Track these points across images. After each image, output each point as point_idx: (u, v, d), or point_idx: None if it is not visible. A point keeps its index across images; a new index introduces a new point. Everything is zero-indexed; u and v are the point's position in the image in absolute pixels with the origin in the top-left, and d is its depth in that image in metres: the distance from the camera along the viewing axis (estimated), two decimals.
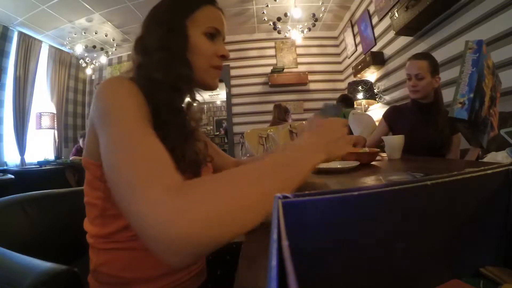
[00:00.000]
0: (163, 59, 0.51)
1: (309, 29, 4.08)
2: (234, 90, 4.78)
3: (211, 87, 0.59)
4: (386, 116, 1.55)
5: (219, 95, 8.99)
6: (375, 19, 3.36)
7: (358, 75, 3.71)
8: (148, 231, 0.26)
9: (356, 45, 4.00)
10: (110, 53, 4.72)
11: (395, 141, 1.17)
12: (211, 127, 9.25)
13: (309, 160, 0.39)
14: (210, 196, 0.28)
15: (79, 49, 4.40)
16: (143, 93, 0.46)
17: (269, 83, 4.64)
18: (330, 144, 0.46)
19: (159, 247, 0.26)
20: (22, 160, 3.80)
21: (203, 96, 0.60)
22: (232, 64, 4.78)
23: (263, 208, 0.30)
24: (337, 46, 4.84)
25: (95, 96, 0.44)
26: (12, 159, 3.74)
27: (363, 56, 3.64)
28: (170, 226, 0.25)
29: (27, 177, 2.89)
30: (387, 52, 3.17)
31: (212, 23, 0.56)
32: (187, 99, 0.57)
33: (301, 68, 4.78)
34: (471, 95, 0.78)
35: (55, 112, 4.36)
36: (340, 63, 4.81)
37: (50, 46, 4.32)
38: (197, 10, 0.55)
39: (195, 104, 0.58)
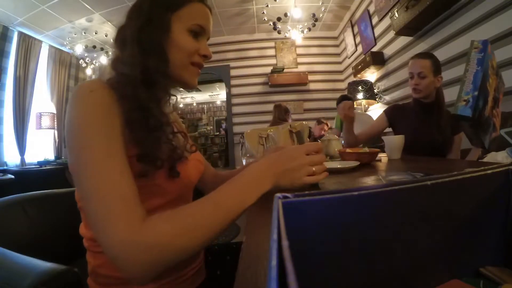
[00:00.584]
0: (136, 52, 0.49)
1: (309, 29, 4.08)
2: (234, 90, 4.78)
3: (189, 85, 0.57)
4: (388, 112, 1.54)
5: (219, 95, 8.99)
6: (375, 19, 3.35)
7: (358, 75, 3.71)
8: (111, 258, 0.34)
9: (356, 45, 4.00)
10: (110, 53, 4.71)
11: (395, 141, 1.17)
12: (211, 127, 9.25)
13: (253, 190, 0.42)
14: (159, 240, 0.35)
15: (79, 49, 4.40)
16: (116, 93, 0.45)
17: (269, 83, 4.64)
18: (285, 172, 0.45)
19: (122, 272, 0.34)
20: (22, 160, 3.80)
21: (177, 95, 0.58)
22: (232, 64, 4.78)
23: (205, 241, 0.38)
24: (337, 46, 4.84)
25: (69, 109, 0.43)
26: (12, 159, 3.74)
27: (363, 56, 3.64)
28: (127, 259, 0.33)
29: (27, 177, 2.89)
30: (387, 52, 3.17)
31: (199, 21, 0.55)
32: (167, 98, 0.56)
33: (301, 68, 4.78)
34: (476, 93, 0.78)
35: (55, 112, 4.36)
36: (340, 63, 4.81)
37: (50, 46, 4.32)
38: (185, 6, 0.54)
39: (171, 102, 0.57)
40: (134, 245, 0.33)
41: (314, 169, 0.47)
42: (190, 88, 0.59)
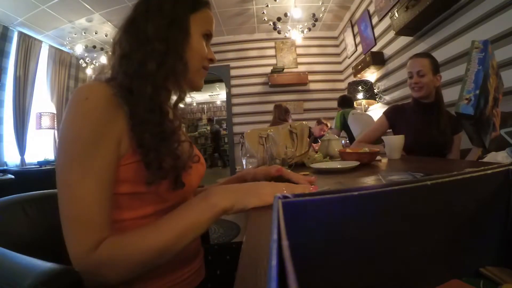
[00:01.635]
0: (160, 51, 0.48)
1: (309, 29, 4.08)
2: (234, 90, 4.78)
3: (198, 88, 0.59)
4: (388, 114, 1.54)
5: (219, 95, 8.99)
6: (375, 19, 3.35)
7: (358, 75, 3.71)
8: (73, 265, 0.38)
9: (356, 45, 4.00)
10: (110, 53, 4.70)
11: (395, 141, 1.17)
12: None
13: (209, 210, 0.43)
14: (113, 261, 0.39)
15: (79, 49, 4.40)
16: (122, 93, 0.44)
17: (269, 83, 4.64)
18: (249, 191, 0.46)
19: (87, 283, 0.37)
20: (22, 160, 3.80)
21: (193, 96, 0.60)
22: (232, 64, 4.78)
23: (158, 259, 0.41)
24: (337, 46, 4.84)
25: (66, 110, 0.43)
26: (12, 159, 3.74)
27: (363, 56, 3.64)
28: (88, 275, 0.37)
29: (27, 177, 2.89)
30: (387, 52, 3.17)
31: (209, 27, 0.57)
32: (174, 98, 0.55)
33: (301, 68, 4.78)
34: (477, 92, 0.79)
35: (55, 112, 4.36)
36: (340, 63, 4.81)
37: (50, 46, 4.32)
38: (200, 11, 0.55)
39: (181, 105, 0.56)
40: (85, 271, 0.37)
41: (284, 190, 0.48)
42: (197, 90, 0.60)
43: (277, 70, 4.65)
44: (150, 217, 0.49)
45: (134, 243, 0.40)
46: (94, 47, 4.42)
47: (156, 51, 0.48)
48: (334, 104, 3.58)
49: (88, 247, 0.38)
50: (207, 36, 0.57)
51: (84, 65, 4.69)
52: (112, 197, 0.43)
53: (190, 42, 0.53)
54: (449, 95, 1.78)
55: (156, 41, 0.49)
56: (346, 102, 3.10)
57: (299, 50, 4.82)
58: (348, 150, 1.10)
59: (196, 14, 0.54)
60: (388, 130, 1.60)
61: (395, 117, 1.51)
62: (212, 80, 6.56)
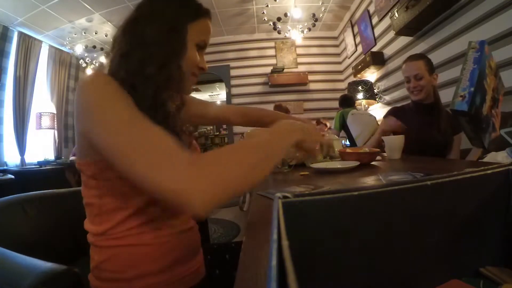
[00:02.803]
0: (160, 54, 0.50)
1: (309, 29, 4.08)
2: (234, 90, 4.78)
3: (185, 93, 0.62)
4: (387, 117, 1.54)
5: (219, 95, 8.98)
6: (375, 19, 3.35)
7: (358, 75, 3.71)
8: (175, 199, 0.35)
9: (356, 45, 4.00)
10: (110, 53, 4.70)
11: (395, 142, 1.17)
12: (211, 127, 9.24)
13: (286, 138, 0.49)
14: (214, 168, 0.37)
15: (79, 49, 4.40)
16: (126, 87, 0.46)
17: (269, 83, 4.64)
18: (305, 129, 0.53)
19: (185, 207, 0.35)
20: (22, 160, 3.80)
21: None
22: (232, 64, 4.78)
23: (251, 175, 0.40)
24: (337, 46, 4.84)
25: (80, 95, 0.44)
26: (12, 159, 3.73)
27: (363, 56, 3.64)
28: (190, 192, 0.34)
29: (27, 177, 2.89)
30: (387, 52, 3.17)
31: (205, 37, 0.58)
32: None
33: (301, 68, 4.77)
34: (472, 89, 0.80)
35: (55, 112, 4.36)
36: (340, 63, 4.81)
37: (50, 46, 4.32)
38: (198, 20, 0.56)
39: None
40: (192, 177, 0.35)
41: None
42: (185, 94, 0.63)
43: (277, 70, 4.65)
44: (147, 208, 0.51)
45: (228, 155, 0.40)
46: (94, 47, 4.42)
47: (156, 55, 0.50)
48: (334, 104, 3.58)
49: (187, 159, 0.36)
50: (201, 46, 0.58)
51: (84, 65, 4.69)
52: None
53: (185, 49, 0.54)
54: (449, 95, 1.78)
55: (155, 45, 0.51)
56: (346, 102, 3.10)
57: (299, 50, 4.82)
58: (348, 150, 1.10)
59: (194, 23, 0.56)
60: None
61: (396, 118, 1.51)
62: (212, 80, 6.55)
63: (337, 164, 0.92)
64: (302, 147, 0.53)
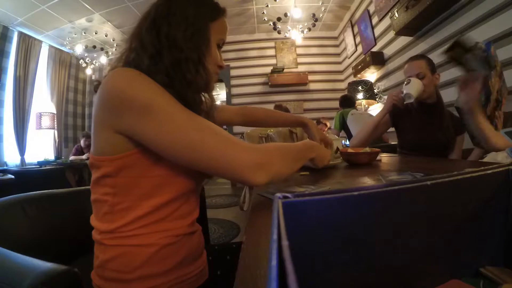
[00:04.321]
0: (194, 58, 0.52)
1: (309, 29, 4.08)
2: (234, 90, 4.78)
3: (210, 90, 0.62)
4: (391, 112, 1.52)
5: (219, 95, 8.99)
6: (375, 19, 3.36)
7: (358, 75, 3.72)
8: (241, 172, 0.46)
9: (356, 45, 4.00)
10: (110, 53, 4.71)
11: (413, 84, 1.28)
12: None
13: (308, 153, 0.64)
14: (270, 158, 0.49)
15: (79, 49, 4.40)
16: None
17: (269, 83, 4.64)
18: (321, 151, 0.69)
19: (251, 178, 0.46)
20: (22, 160, 3.80)
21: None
22: (232, 64, 4.78)
23: (289, 168, 0.55)
24: (337, 46, 4.84)
25: (118, 90, 0.44)
26: (12, 159, 3.74)
27: (363, 56, 3.64)
28: (254, 168, 0.46)
29: (27, 177, 2.89)
30: (387, 52, 3.17)
31: (223, 35, 0.59)
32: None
33: (301, 68, 4.78)
34: None
35: (55, 112, 4.36)
36: (340, 63, 4.82)
37: (50, 46, 4.32)
38: (218, 20, 0.57)
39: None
40: (255, 163, 0.46)
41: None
42: (208, 92, 0.63)
43: (277, 70, 4.65)
44: (167, 206, 0.52)
45: (276, 150, 0.52)
46: (94, 47, 4.42)
47: (191, 59, 0.51)
48: (334, 104, 3.58)
49: (250, 148, 0.47)
50: (219, 44, 0.59)
51: (84, 65, 4.69)
52: None
53: (209, 49, 0.55)
54: (449, 95, 1.78)
55: (188, 49, 0.51)
56: (347, 102, 3.10)
57: (299, 50, 4.82)
58: (349, 150, 1.10)
59: (214, 22, 0.56)
60: (390, 130, 1.60)
61: (398, 116, 1.50)
62: None
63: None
64: (312, 161, 0.68)
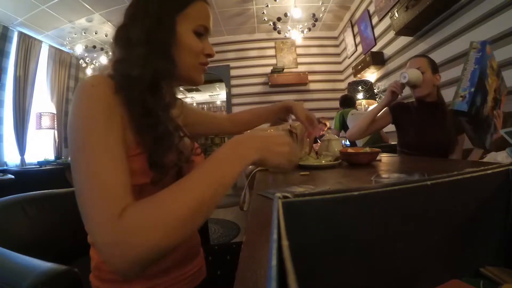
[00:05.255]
0: (143, 53, 0.49)
1: (309, 29, 4.08)
2: (234, 90, 4.78)
3: (196, 83, 0.59)
4: (392, 108, 1.51)
5: (219, 95, 8.98)
6: (375, 19, 3.35)
7: (358, 75, 3.71)
8: (98, 248, 0.35)
9: (356, 45, 4.00)
10: (110, 53, 4.70)
11: (413, 74, 1.29)
12: None
13: (238, 161, 0.42)
14: (144, 224, 0.34)
15: (79, 49, 4.40)
16: (120, 93, 0.45)
17: (269, 83, 4.64)
18: (272, 152, 0.45)
19: (109, 261, 0.34)
20: (22, 160, 3.80)
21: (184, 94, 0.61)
22: (232, 64, 4.78)
23: (193, 222, 0.37)
24: (337, 46, 4.84)
25: (72, 102, 0.44)
26: (12, 159, 3.74)
27: (363, 56, 3.64)
28: (112, 248, 0.34)
29: (27, 177, 2.89)
30: (387, 52, 3.17)
31: (203, 21, 0.55)
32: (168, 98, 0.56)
33: (301, 68, 4.77)
34: (472, 90, 0.80)
35: (55, 112, 4.36)
36: (340, 63, 4.81)
37: (50, 46, 4.32)
38: (190, 6, 0.54)
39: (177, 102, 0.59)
40: (110, 242, 0.34)
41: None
42: (197, 85, 0.60)
43: (277, 70, 4.65)
44: None
45: (163, 205, 0.36)
46: (94, 47, 4.42)
47: (140, 54, 0.49)
48: (334, 104, 3.58)
49: (112, 215, 0.34)
50: (200, 32, 0.56)
51: (84, 65, 4.69)
52: (128, 171, 0.42)
53: (178, 40, 0.52)
54: (450, 95, 1.77)
55: (139, 44, 0.49)
56: (347, 102, 3.10)
57: (299, 50, 4.82)
58: (349, 150, 1.10)
59: (185, 11, 0.53)
60: (391, 130, 1.60)
61: (399, 113, 1.50)
62: (212, 80, 6.55)
63: (321, 161, 0.95)
64: (265, 166, 0.49)
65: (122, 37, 0.52)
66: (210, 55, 0.58)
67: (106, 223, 0.34)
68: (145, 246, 0.33)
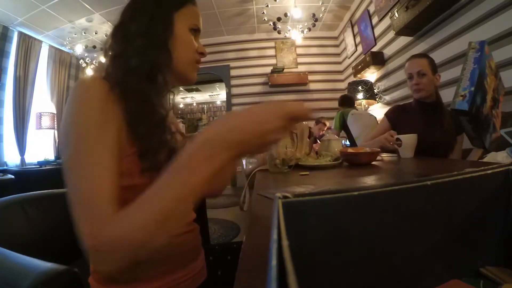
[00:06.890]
0: (142, 45, 0.51)
1: (309, 29, 4.08)
2: (234, 90, 4.78)
3: (190, 80, 0.60)
4: (389, 115, 1.52)
5: (219, 95, 8.98)
6: (375, 19, 3.35)
7: (358, 75, 3.71)
8: (85, 247, 0.35)
9: (356, 45, 4.00)
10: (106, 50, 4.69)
11: (407, 141, 1.17)
12: (208, 121, 9.24)
13: (203, 166, 0.34)
14: (125, 230, 0.34)
15: (79, 49, 4.40)
16: (116, 89, 0.45)
17: (269, 83, 4.64)
18: (245, 138, 0.34)
19: (95, 265, 0.38)
20: (22, 160, 3.80)
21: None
22: (232, 64, 4.78)
23: (161, 233, 0.36)
24: (337, 46, 4.84)
25: (66, 104, 0.45)
26: (12, 159, 3.73)
27: (363, 56, 3.64)
28: (95, 255, 0.35)
29: (27, 177, 2.89)
30: (387, 52, 3.17)
31: (195, 21, 0.58)
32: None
33: (301, 68, 4.77)
34: (472, 89, 0.80)
35: (55, 112, 4.36)
36: (340, 63, 4.81)
37: (50, 46, 4.32)
38: (185, 7, 0.57)
39: (171, 97, 0.62)
40: (96, 244, 0.34)
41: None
42: (190, 83, 0.61)
43: (277, 70, 4.65)
44: None
45: (136, 212, 0.35)
46: (94, 47, 4.42)
47: (139, 46, 0.51)
48: (334, 104, 3.58)
49: (102, 222, 0.35)
50: (195, 30, 0.59)
51: (84, 65, 4.69)
52: (118, 177, 0.42)
53: (176, 35, 0.54)
54: (449, 95, 1.77)
55: (138, 37, 0.51)
56: (346, 101, 3.09)
57: (299, 50, 4.82)
58: (349, 150, 1.10)
59: (181, 10, 0.56)
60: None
61: (397, 117, 1.50)
62: (212, 80, 6.55)
63: (321, 161, 0.95)
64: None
65: (121, 32, 0.53)
66: (203, 54, 0.60)
67: (96, 230, 0.34)
68: (128, 251, 0.34)
